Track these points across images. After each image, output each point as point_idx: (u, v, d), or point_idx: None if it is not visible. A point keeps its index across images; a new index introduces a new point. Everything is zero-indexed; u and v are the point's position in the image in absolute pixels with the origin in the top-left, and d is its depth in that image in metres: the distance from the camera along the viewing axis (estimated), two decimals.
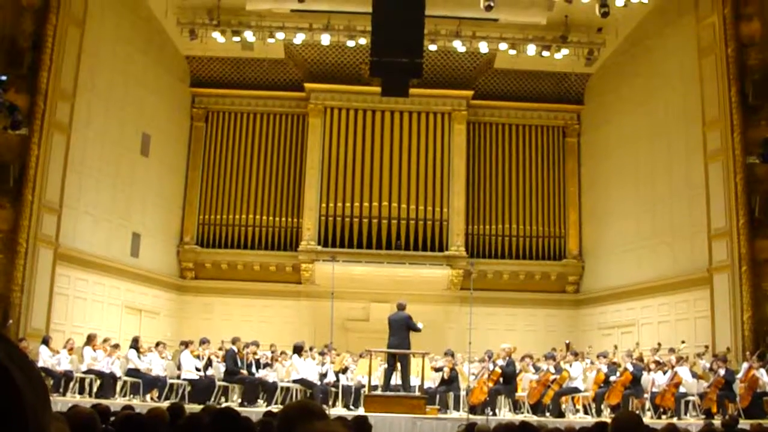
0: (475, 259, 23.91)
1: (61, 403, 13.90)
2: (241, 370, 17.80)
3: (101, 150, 21.18)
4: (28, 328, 17.75)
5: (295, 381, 17.90)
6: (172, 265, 25.09)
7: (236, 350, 17.99)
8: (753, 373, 16.24)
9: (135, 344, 18.25)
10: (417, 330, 17.02)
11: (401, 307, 17.26)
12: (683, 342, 18.96)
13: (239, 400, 17.54)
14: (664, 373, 17.34)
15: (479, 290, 22.05)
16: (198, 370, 18.08)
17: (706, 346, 18.57)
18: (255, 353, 18.46)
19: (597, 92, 25.71)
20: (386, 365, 17.37)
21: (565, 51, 23.69)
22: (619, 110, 24.23)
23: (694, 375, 17.30)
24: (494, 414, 16.74)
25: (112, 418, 6.47)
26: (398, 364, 16.99)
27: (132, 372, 17.82)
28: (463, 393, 17.89)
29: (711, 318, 19.24)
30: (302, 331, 23.10)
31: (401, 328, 16.86)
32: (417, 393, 16.68)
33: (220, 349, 19.24)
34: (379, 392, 16.76)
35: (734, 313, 18.36)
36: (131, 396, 17.51)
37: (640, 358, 18.14)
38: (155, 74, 24.02)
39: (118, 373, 17.83)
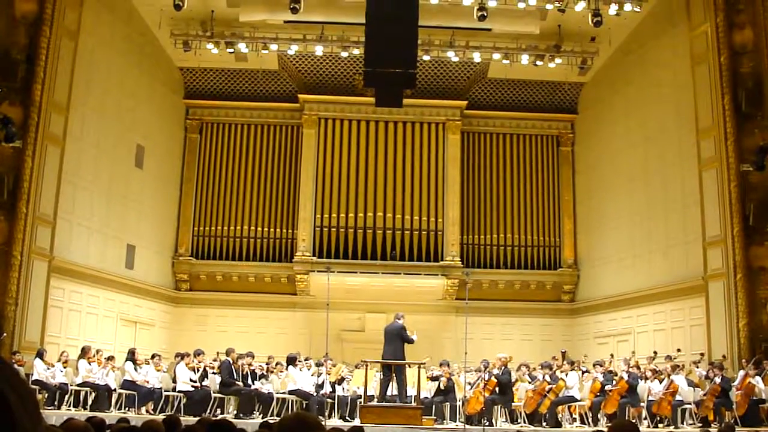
0: (471, 268, 23.92)
1: (55, 416, 13.85)
2: (237, 382, 17.75)
3: (95, 162, 21.15)
4: (23, 341, 17.68)
5: (290, 392, 17.86)
6: (167, 276, 25.05)
7: (231, 361, 17.95)
8: (749, 381, 16.24)
9: (132, 356, 18.21)
10: (410, 341, 16.99)
11: (397, 318, 17.26)
12: (678, 350, 18.97)
13: (235, 412, 17.50)
14: (661, 381, 17.33)
15: (475, 300, 22.08)
16: (193, 382, 18.03)
17: (702, 354, 18.57)
18: (250, 364, 18.42)
19: (591, 101, 25.75)
20: (382, 375, 17.34)
21: (558, 60, 23.72)
22: (613, 119, 24.28)
23: (691, 383, 17.30)
24: (491, 424, 16.73)
25: (108, 431, 6.44)
26: (393, 375, 16.97)
27: (127, 384, 17.77)
28: (459, 403, 17.86)
29: (706, 326, 19.23)
30: (298, 342, 23.06)
31: (395, 339, 16.85)
32: (413, 403, 16.65)
33: (215, 360, 19.20)
34: (375, 403, 16.72)
35: (730, 321, 18.35)
36: (126, 408, 17.46)
37: (637, 367, 18.13)
38: (149, 86, 24.02)
39: (113, 385, 17.78)
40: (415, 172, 25.49)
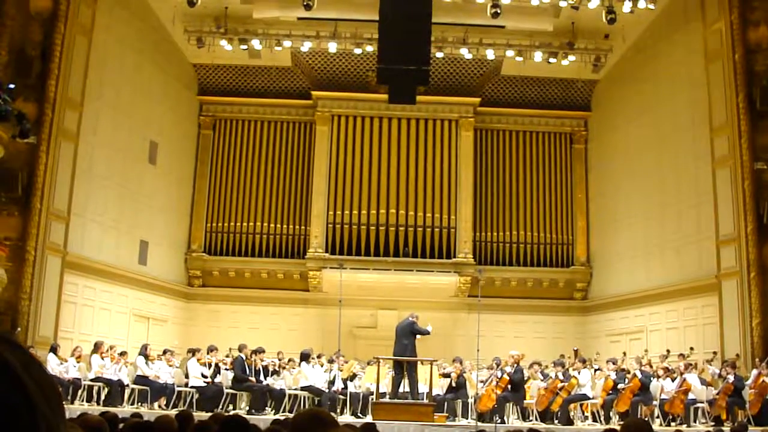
0: (483, 266, 23.86)
1: (69, 411, 13.90)
2: (250, 378, 17.80)
3: (109, 158, 21.22)
4: (36, 336, 17.76)
5: (303, 388, 17.89)
6: (179, 272, 25.11)
7: (244, 357, 18.00)
8: (762, 380, 16.18)
9: (144, 351, 18.28)
10: (423, 333, 16.98)
11: (410, 316, 17.28)
12: (691, 348, 18.92)
13: (247, 408, 17.54)
14: (673, 379, 17.28)
15: (487, 297, 22.04)
16: (205, 377, 18.09)
17: (715, 353, 18.51)
18: (262, 360, 18.47)
19: (604, 98, 25.68)
20: (394, 373, 17.35)
21: (572, 57, 23.67)
22: (627, 116, 24.19)
23: (704, 382, 17.24)
24: (502, 421, 16.72)
25: (121, 426, 6.47)
26: (405, 372, 16.97)
27: (140, 380, 17.84)
28: (471, 400, 17.86)
29: (719, 324, 19.16)
30: (310, 339, 23.07)
31: (407, 336, 16.85)
32: (425, 400, 16.66)
33: (227, 356, 19.27)
34: (387, 400, 16.73)
35: (743, 320, 18.28)
36: (139, 404, 17.53)
37: (649, 365, 18.09)
38: (163, 82, 24.07)
39: (126, 380, 17.85)
40: (428, 169, 25.47)
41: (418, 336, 17.24)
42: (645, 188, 22.97)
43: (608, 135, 25.31)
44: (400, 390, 16.96)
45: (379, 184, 25.23)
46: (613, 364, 18.02)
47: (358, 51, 23.67)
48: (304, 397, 17.85)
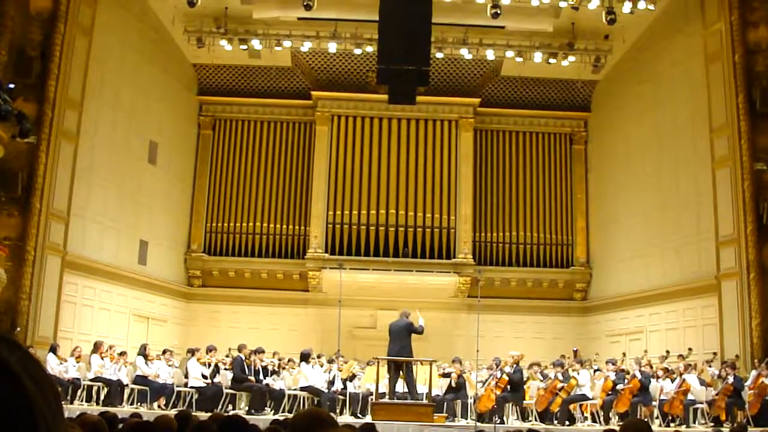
0: (483, 266, 23.88)
1: (68, 411, 13.90)
2: (249, 378, 17.79)
3: (109, 158, 21.22)
4: (36, 336, 17.75)
5: (302, 388, 17.88)
6: (179, 272, 25.11)
7: (243, 358, 17.99)
8: (762, 381, 16.17)
9: (143, 351, 18.27)
10: (419, 331, 16.94)
11: (404, 315, 17.24)
12: (690, 349, 18.92)
13: (246, 408, 17.54)
14: (673, 380, 17.27)
15: (487, 298, 22.05)
16: (205, 377, 18.09)
17: (714, 353, 18.51)
18: (262, 360, 18.47)
19: (604, 99, 25.67)
20: (388, 377, 17.25)
21: (571, 58, 23.65)
22: (627, 117, 24.19)
23: (703, 382, 17.24)
24: (502, 422, 16.72)
25: (120, 426, 6.47)
26: (402, 374, 16.93)
27: (139, 379, 17.83)
28: (470, 401, 17.86)
29: (719, 325, 19.17)
30: (309, 339, 23.07)
31: (402, 336, 16.82)
32: (424, 401, 16.65)
33: (227, 356, 19.26)
34: (386, 400, 16.71)
35: (742, 320, 18.29)
36: (138, 404, 17.52)
37: (649, 366, 18.08)
38: (162, 82, 24.07)
39: (126, 380, 17.84)
40: (427, 169, 25.46)
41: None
42: (645, 189, 22.97)
43: (608, 135, 25.31)
44: (400, 390, 16.94)
45: (379, 185, 25.23)
46: (613, 364, 18.01)
47: (358, 51, 23.66)
48: (304, 398, 17.84)
